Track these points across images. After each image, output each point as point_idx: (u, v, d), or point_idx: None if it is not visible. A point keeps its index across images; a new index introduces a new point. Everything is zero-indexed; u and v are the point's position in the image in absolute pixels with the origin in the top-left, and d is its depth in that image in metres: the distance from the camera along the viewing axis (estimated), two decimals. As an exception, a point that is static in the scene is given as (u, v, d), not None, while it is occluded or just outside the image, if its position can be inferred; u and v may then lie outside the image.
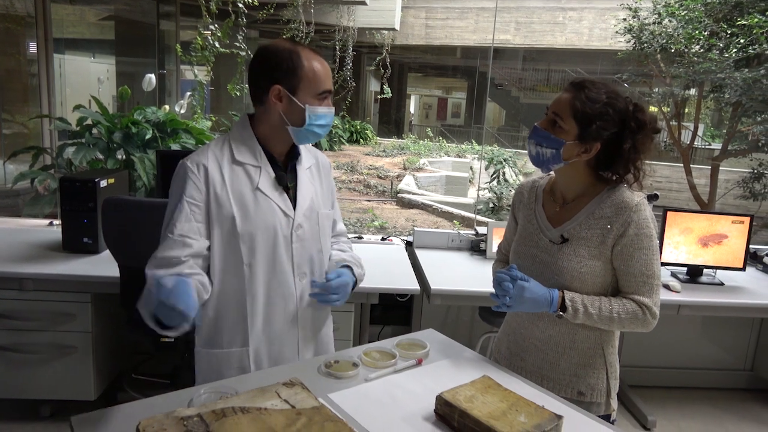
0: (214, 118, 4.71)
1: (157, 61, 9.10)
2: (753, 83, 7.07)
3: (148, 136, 3.31)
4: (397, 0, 13.24)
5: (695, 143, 9.44)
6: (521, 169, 11.16)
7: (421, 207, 9.71)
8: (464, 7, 15.08)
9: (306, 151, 1.62)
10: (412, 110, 25.19)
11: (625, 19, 8.26)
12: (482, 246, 3.22)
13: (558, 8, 14.34)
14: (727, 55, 7.23)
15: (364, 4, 11.09)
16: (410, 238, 3.33)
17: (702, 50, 7.57)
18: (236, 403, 1.10)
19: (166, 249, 1.40)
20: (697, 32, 7.36)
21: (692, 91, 8.89)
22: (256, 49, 1.50)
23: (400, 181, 11.51)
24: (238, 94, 4.89)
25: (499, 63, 17.27)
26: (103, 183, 2.66)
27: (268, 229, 1.47)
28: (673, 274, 2.99)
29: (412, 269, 2.85)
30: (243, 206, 1.44)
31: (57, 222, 3.05)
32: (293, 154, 1.56)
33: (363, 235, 3.38)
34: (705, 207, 8.34)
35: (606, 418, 1.53)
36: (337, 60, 10.56)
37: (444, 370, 1.47)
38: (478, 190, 10.23)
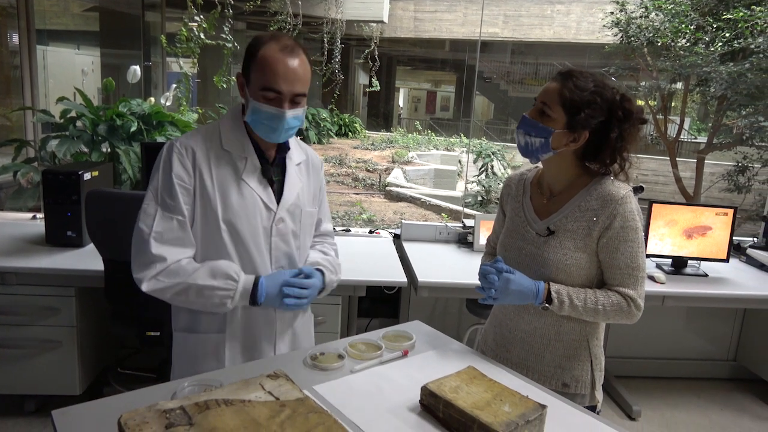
0: (200, 111, 4.66)
1: (142, 53, 9.00)
2: (738, 77, 7.14)
3: (133, 129, 3.28)
4: (386, -8, 13.19)
5: (681, 137, 9.53)
6: (510, 162, 11.19)
7: (409, 200, 9.72)
8: (452, -1, 15.06)
9: (297, 146, 1.60)
10: (401, 103, 25.17)
11: (612, 13, 8.30)
12: (469, 238, 3.22)
13: (546, 1, 14.36)
14: (712, 49, 7.29)
15: (352, -5, 11.04)
16: (398, 231, 3.33)
17: (688, 44, 7.62)
18: (219, 396, 1.09)
19: (174, 230, 1.40)
20: (683, 26, 7.41)
21: (678, 85, 8.95)
22: None
23: (389, 174, 11.51)
24: (224, 86, 4.84)
25: (488, 56, 17.28)
26: (87, 176, 2.63)
27: (249, 219, 1.46)
28: (658, 266, 3.02)
29: (400, 262, 2.85)
30: (226, 195, 1.43)
31: (40, 215, 3.01)
32: (282, 148, 1.54)
33: (351, 228, 3.37)
34: (690, 199, 8.43)
35: (591, 409, 1.54)
36: (325, 53, 10.49)
37: (430, 362, 1.48)
38: (466, 183, 10.25)
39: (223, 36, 4.84)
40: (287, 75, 1.37)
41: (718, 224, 2.96)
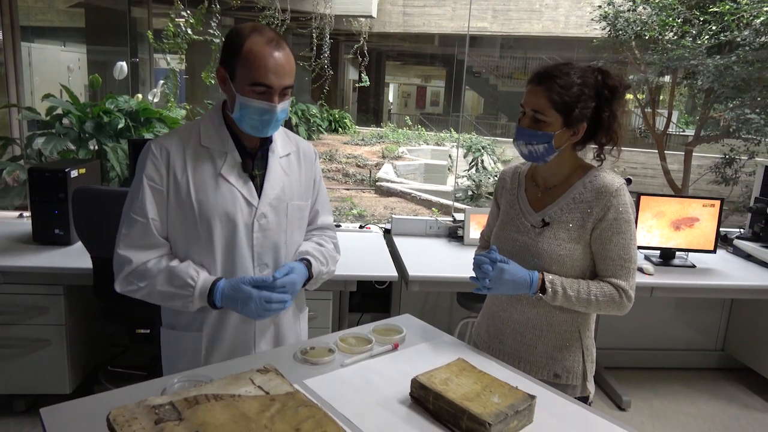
0: (188, 107, 4.63)
1: (129, 49, 8.91)
2: (724, 70, 7.19)
3: (120, 126, 3.25)
4: (374, -13, 13.15)
5: (669, 129, 9.58)
6: (500, 156, 11.23)
7: (399, 195, 9.72)
8: (442, -6, 15.03)
9: (285, 138, 1.57)
10: (390, 99, 25.12)
11: (600, 7, 8.32)
12: (460, 232, 3.23)
13: (534, -5, 14.37)
14: (699, 42, 7.34)
15: (341, -10, 10.98)
16: (388, 226, 3.33)
17: (675, 37, 7.66)
18: (209, 391, 1.09)
19: (139, 231, 1.40)
20: (670, 19, 7.45)
21: (666, 78, 9.00)
22: None
23: (379, 169, 11.50)
24: (212, 82, 4.80)
25: (477, 51, 17.27)
26: (74, 173, 2.61)
27: (228, 216, 1.43)
28: (647, 258, 3.05)
29: (390, 257, 2.86)
30: (203, 191, 1.41)
31: (27, 214, 2.99)
32: (265, 140, 1.50)
33: (341, 224, 3.37)
34: (679, 192, 8.49)
35: (583, 400, 1.55)
36: (314, 48, 10.45)
37: (420, 355, 1.48)
38: (456, 177, 10.27)
39: (211, 32, 4.81)
40: (277, 69, 1.35)
41: (705, 216, 2.99)
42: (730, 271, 2.99)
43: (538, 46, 15.45)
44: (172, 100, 4.23)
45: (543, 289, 1.47)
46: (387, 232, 3.31)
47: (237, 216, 1.44)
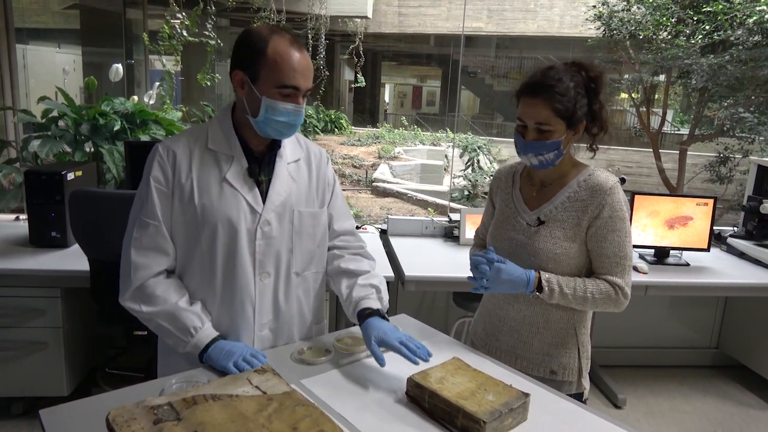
0: (184, 109, 4.63)
1: (124, 50, 8.90)
2: (718, 69, 7.24)
3: (116, 128, 3.25)
4: (369, -13, 13.17)
5: (664, 128, 9.63)
6: (495, 156, 11.26)
7: (396, 195, 9.74)
8: (437, -6, 15.07)
9: (295, 143, 1.53)
10: (386, 99, 25.14)
11: (594, 6, 8.36)
12: (455, 232, 3.25)
13: (530, -5, 14.43)
14: (693, 42, 7.38)
15: (336, -9, 11.00)
16: (384, 226, 3.35)
17: (669, 37, 7.71)
18: (207, 391, 1.10)
19: (150, 235, 1.38)
20: (664, 19, 7.50)
21: (661, 77, 9.05)
22: None
23: (375, 170, 11.52)
24: (208, 83, 4.81)
25: (473, 51, 17.32)
26: (71, 176, 2.62)
27: (230, 221, 1.39)
28: (641, 256, 3.07)
29: (387, 257, 2.87)
30: (207, 196, 1.39)
31: (23, 216, 2.99)
32: (273, 146, 1.47)
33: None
34: (674, 191, 8.53)
35: (578, 397, 1.57)
36: (310, 49, 10.47)
37: (416, 354, 1.49)
38: (452, 177, 10.29)
39: (206, 33, 4.81)
40: (302, 70, 1.35)
41: (699, 214, 3.01)
42: (723, 270, 3.01)
43: (533, 46, 15.49)
44: (168, 101, 4.23)
45: (540, 287, 1.48)
46: (383, 233, 3.32)
47: (240, 222, 1.40)
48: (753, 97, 7.53)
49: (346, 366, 1.41)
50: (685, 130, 11.28)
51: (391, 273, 2.63)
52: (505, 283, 1.46)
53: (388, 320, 1.48)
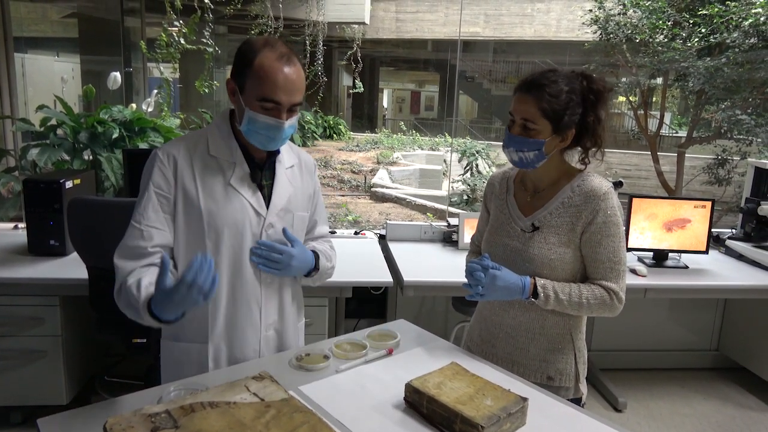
0: (182, 116, 4.64)
1: (122, 58, 8.92)
2: (715, 71, 7.25)
3: (114, 136, 3.26)
4: (367, -7, 13.21)
5: (662, 131, 9.65)
6: (494, 160, 11.26)
7: (394, 201, 9.74)
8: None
9: (289, 149, 1.57)
10: (385, 104, 25.18)
11: (591, 11, 8.39)
12: (454, 237, 3.25)
13: (526, 0, 14.47)
14: (689, 45, 7.40)
15: (333, -3, 11.04)
16: (383, 232, 3.35)
17: (666, 40, 7.73)
18: (205, 398, 1.10)
19: (134, 238, 1.38)
20: (660, 22, 7.52)
21: (658, 80, 9.08)
22: None
23: (374, 175, 11.52)
24: (206, 91, 4.82)
25: (470, 55, 17.37)
26: (69, 184, 2.62)
27: (236, 226, 1.43)
28: (640, 259, 3.07)
29: (386, 262, 2.87)
30: (212, 201, 1.41)
31: (22, 225, 2.99)
32: (272, 152, 1.50)
33: (336, 230, 3.38)
34: (672, 193, 8.54)
35: (576, 402, 1.56)
36: (308, 55, 10.50)
37: (414, 359, 1.50)
38: (450, 182, 10.30)
39: (204, 40, 4.83)
40: (287, 86, 1.34)
41: (697, 217, 3.01)
42: (722, 272, 3.01)
43: (531, 50, 15.55)
44: (166, 109, 4.24)
45: (535, 294, 1.48)
46: (382, 238, 3.32)
47: (246, 226, 1.44)
48: (750, 100, 7.55)
49: (344, 372, 1.41)
50: (682, 133, 11.29)
51: (390, 278, 2.64)
52: (501, 289, 1.46)
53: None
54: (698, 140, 8.68)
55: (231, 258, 1.44)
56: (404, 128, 18.59)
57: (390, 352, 1.52)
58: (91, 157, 3.25)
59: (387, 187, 10.51)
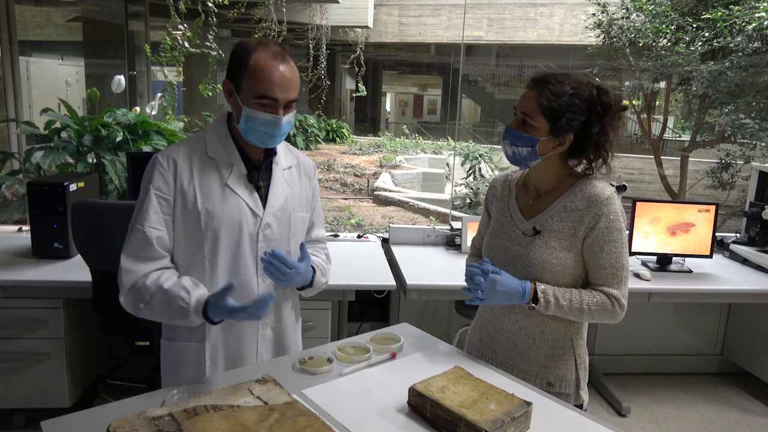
0: (186, 119, 4.65)
1: (127, 62, 8.96)
2: (718, 75, 7.25)
3: (118, 139, 3.27)
4: (370, -3, 13.24)
5: (665, 135, 9.63)
6: (497, 164, 11.25)
7: (397, 204, 9.74)
8: (437, 3, 15.14)
9: (287, 151, 1.60)
10: (388, 108, 25.20)
11: (594, 15, 8.39)
12: (457, 240, 3.25)
13: (529, 4, 14.48)
14: (693, 49, 7.40)
15: (337, 2, 11.06)
16: (386, 235, 3.35)
17: (669, 44, 7.73)
18: (208, 402, 1.10)
19: (139, 241, 1.41)
20: (664, 26, 7.52)
21: (661, 84, 9.07)
22: None
23: (377, 178, 11.53)
24: (210, 94, 4.83)
25: (473, 59, 17.38)
26: (73, 187, 2.63)
27: (233, 226, 1.45)
28: (644, 263, 3.06)
29: (389, 265, 2.87)
30: (210, 201, 1.44)
31: (26, 228, 3.00)
32: (269, 153, 1.54)
33: (339, 233, 3.38)
34: (675, 197, 8.52)
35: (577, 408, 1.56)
36: (311, 59, 10.53)
37: (417, 363, 1.49)
38: (453, 185, 10.30)
39: (208, 44, 4.84)
40: (282, 82, 1.38)
41: (701, 221, 3.00)
42: (726, 276, 3.00)
43: (534, 54, 15.56)
44: (170, 112, 4.25)
45: (535, 299, 1.47)
46: (385, 241, 3.32)
47: (243, 226, 1.46)
48: (754, 104, 7.53)
49: (347, 375, 1.41)
50: (686, 137, 11.29)
51: (393, 282, 2.63)
52: (501, 294, 1.45)
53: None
54: (702, 144, 8.67)
55: (228, 257, 1.47)
56: (407, 132, 18.60)
57: (393, 356, 1.51)
58: (94, 161, 3.25)
59: (390, 191, 10.52)
